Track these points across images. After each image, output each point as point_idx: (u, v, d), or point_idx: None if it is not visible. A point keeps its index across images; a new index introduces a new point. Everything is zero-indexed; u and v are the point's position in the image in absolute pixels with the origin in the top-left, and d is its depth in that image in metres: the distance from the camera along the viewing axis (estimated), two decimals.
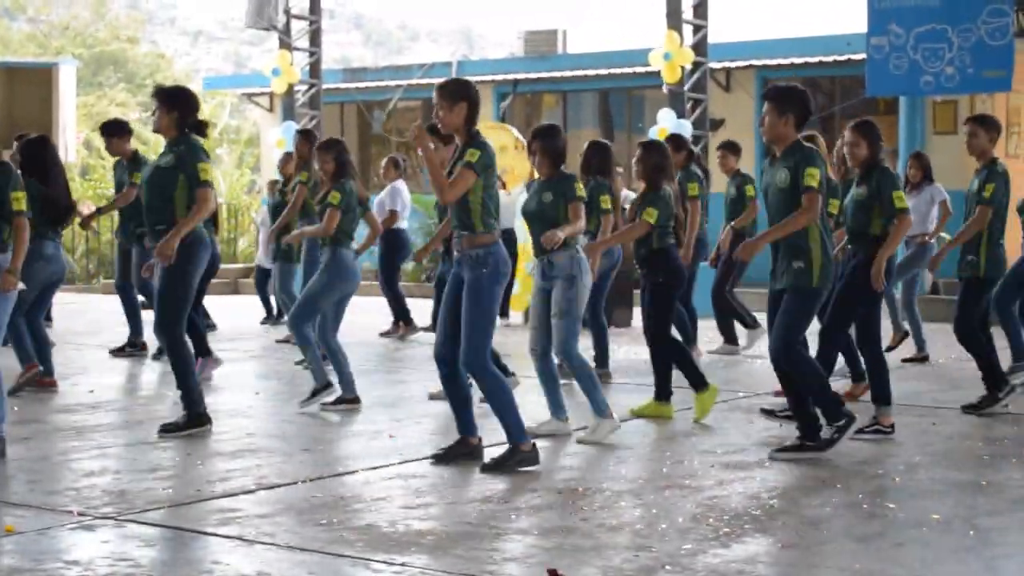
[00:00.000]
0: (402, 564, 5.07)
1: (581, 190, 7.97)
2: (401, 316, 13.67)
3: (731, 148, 12.26)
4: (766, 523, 5.78)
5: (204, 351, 10.23)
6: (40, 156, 9.55)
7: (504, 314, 14.54)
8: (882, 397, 7.90)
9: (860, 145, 7.87)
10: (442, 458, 7.06)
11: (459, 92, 6.96)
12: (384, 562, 5.09)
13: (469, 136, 6.95)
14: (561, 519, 5.82)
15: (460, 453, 7.06)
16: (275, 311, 15.00)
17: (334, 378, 8.94)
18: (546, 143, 7.95)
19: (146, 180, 7.95)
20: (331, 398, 8.91)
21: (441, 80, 7.21)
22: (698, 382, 8.54)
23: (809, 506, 6.15)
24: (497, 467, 6.86)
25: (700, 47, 17.84)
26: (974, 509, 6.11)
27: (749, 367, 11.26)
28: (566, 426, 7.92)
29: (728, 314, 12.08)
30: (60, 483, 6.49)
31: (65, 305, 15.79)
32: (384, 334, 13.63)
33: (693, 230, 10.54)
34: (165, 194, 7.78)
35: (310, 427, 8.26)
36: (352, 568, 5.07)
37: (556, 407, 7.92)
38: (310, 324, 8.88)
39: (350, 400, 8.91)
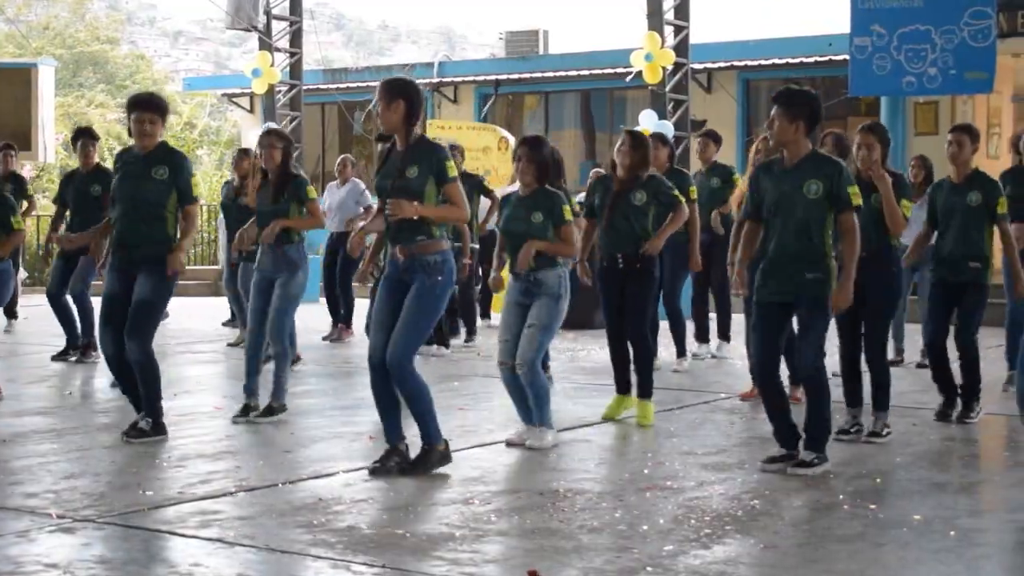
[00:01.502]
0: (383, 566, 5.06)
1: (569, 212, 7.75)
2: (347, 319, 13.44)
3: (712, 137, 12.06)
4: (747, 524, 5.78)
5: None
6: None
7: (485, 315, 14.49)
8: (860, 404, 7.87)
9: (874, 148, 7.68)
10: (378, 471, 6.80)
11: (397, 90, 6.76)
12: (365, 564, 5.08)
13: (415, 140, 6.79)
14: (542, 521, 5.81)
15: (395, 462, 6.83)
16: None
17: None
18: (533, 152, 7.70)
19: (135, 194, 7.65)
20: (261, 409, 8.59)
21: (384, 78, 7.00)
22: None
23: (790, 507, 6.15)
24: (416, 468, 6.78)
25: (681, 48, 17.85)
26: (955, 510, 6.12)
27: (729, 369, 11.26)
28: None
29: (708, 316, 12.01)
30: (39, 486, 6.45)
31: (43, 307, 15.68)
32: (329, 338, 13.20)
33: (696, 233, 10.36)
34: (159, 209, 7.64)
35: (289, 429, 8.23)
36: (333, 570, 5.05)
37: (527, 413, 7.76)
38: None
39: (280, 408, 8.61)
